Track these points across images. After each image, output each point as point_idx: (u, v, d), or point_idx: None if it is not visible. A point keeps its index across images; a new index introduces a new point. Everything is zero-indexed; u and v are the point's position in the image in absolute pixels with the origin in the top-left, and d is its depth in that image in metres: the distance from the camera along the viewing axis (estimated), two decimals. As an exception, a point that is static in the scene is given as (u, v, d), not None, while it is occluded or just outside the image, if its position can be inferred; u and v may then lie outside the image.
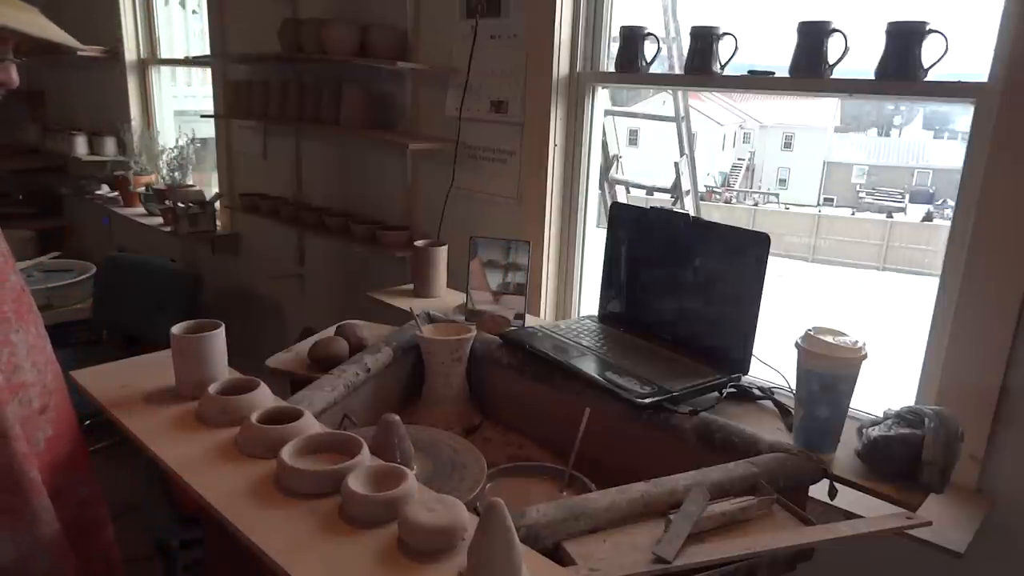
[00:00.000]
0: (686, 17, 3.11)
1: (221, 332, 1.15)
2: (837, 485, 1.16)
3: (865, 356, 1.18)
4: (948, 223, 1.43)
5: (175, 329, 1.14)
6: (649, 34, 1.80)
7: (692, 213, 3.50)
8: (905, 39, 1.40)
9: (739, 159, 25.37)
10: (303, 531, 0.86)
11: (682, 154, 3.90)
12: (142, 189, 3.50)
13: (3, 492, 0.88)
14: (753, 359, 1.43)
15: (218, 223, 3.22)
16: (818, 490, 1.17)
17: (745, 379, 1.43)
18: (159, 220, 3.30)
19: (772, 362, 1.47)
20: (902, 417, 1.19)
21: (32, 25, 0.81)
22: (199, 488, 0.92)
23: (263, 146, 2.91)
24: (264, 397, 1.11)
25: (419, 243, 2.02)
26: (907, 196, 24.36)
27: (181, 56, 3.62)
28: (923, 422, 1.15)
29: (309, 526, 0.87)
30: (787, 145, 26.66)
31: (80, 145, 3.69)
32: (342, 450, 0.97)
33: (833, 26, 1.50)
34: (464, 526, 0.85)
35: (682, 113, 3.86)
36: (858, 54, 1.51)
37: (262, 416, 1.02)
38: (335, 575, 0.76)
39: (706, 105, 20.29)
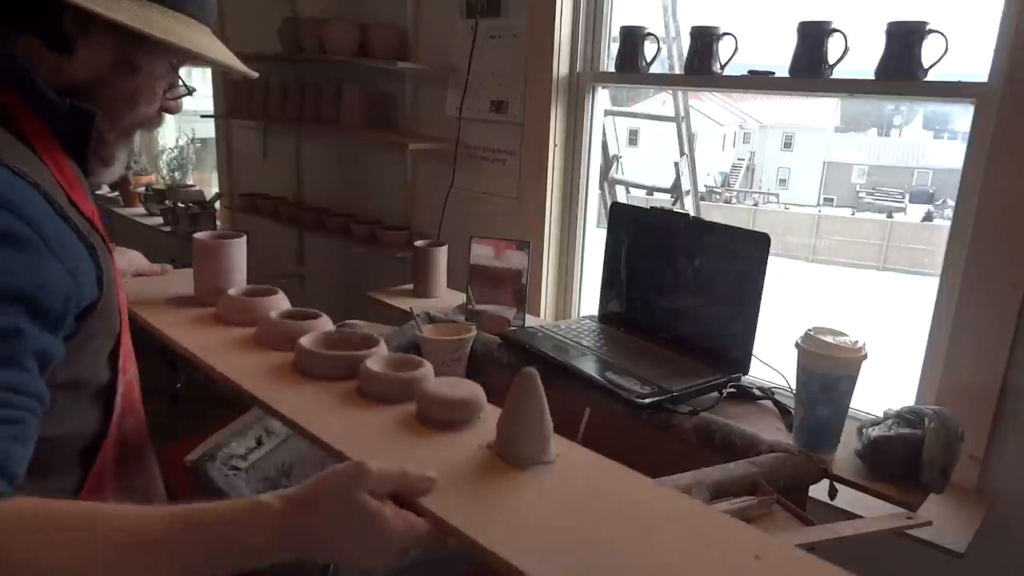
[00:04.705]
0: (686, 17, 3.12)
1: (243, 241, 1.18)
2: (837, 485, 1.16)
3: (865, 356, 1.18)
4: (948, 223, 1.43)
5: (199, 235, 1.17)
6: (649, 34, 1.80)
7: (692, 213, 3.51)
8: (905, 39, 1.40)
9: (739, 159, 25.38)
10: (323, 404, 0.90)
11: (682, 154, 3.90)
12: (142, 189, 3.50)
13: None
14: (753, 359, 1.43)
15: (218, 223, 3.22)
16: (818, 490, 1.17)
17: (745, 379, 1.43)
18: (159, 220, 3.30)
19: (772, 362, 1.47)
20: (902, 417, 1.19)
21: (215, 51, 0.79)
22: (221, 368, 0.96)
23: (263, 146, 2.91)
24: (282, 302, 1.15)
25: (419, 243, 2.02)
26: (907, 196, 24.37)
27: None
28: (923, 422, 1.15)
29: (328, 400, 0.90)
30: (787, 145, 26.67)
31: (80, 145, 3.68)
32: (359, 347, 1.00)
33: (833, 26, 1.50)
34: (481, 403, 0.87)
35: (682, 113, 3.86)
36: (858, 54, 1.51)
37: (281, 314, 1.07)
38: (355, 436, 0.78)
39: (706, 105, 20.30)
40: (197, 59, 0.80)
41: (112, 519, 0.59)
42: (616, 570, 0.63)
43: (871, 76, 1.46)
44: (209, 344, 1.04)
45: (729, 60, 1.66)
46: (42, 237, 0.62)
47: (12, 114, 0.69)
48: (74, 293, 0.67)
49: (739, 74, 1.67)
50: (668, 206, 4.07)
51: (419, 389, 0.88)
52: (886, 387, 1.54)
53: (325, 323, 1.07)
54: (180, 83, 0.84)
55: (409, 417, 0.87)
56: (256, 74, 0.90)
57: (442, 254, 2.02)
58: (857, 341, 1.19)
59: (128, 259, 1.30)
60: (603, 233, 1.73)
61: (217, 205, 3.20)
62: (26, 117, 0.70)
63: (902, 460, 1.14)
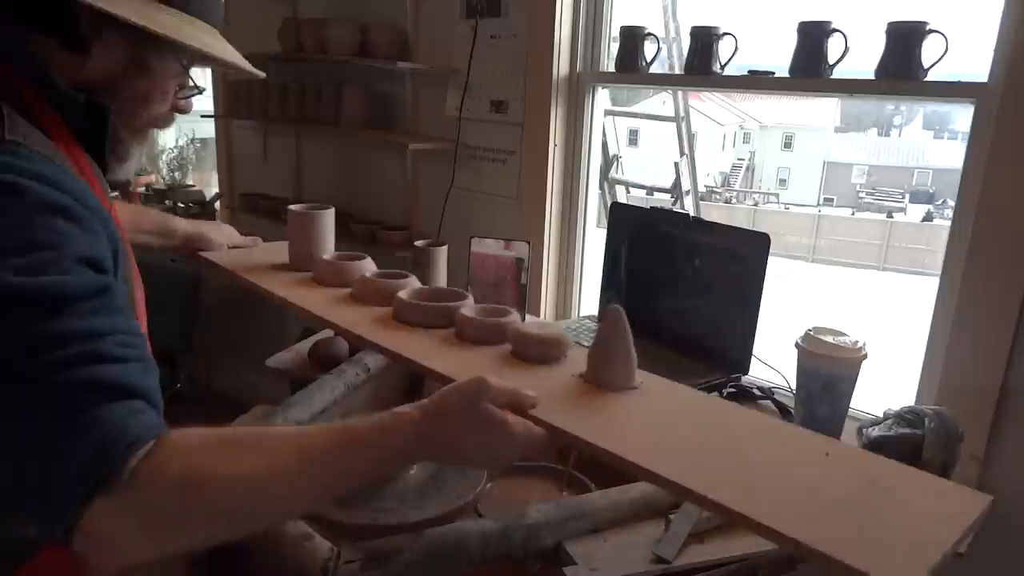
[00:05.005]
0: (686, 17, 3.12)
1: (331, 212, 1.33)
2: (837, 485, 1.16)
3: (865, 356, 1.18)
4: (948, 223, 1.43)
5: (293, 207, 1.32)
6: (649, 34, 1.80)
7: (692, 213, 3.50)
8: (905, 39, 1.40)
9: (739, 159, 25.39)
10: (429, 345, 1.00)
11: (682, 154, 3.89)
12: (142, 189, 3.50)
13: None
14: (753, 359, 1.43)
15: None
16: (818, 490, 1.17)
17: (745, 379, 1.43)
18: (159, 220, 3.30)
19: (772, 362, 1.47)
20: (902, 417, 1.19)
21: (224, 52, 0.83)
22: (331, 318, 1.08)
23: (263, 146, 2.91)
24: (370, 265, 1.27)
25: (419, 243, 2.02)
26: (907, 196, 24.38)
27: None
28: (923, 422, 1.15)
29: (432, 343, 1.01)
30: (787, 145, 26.67)
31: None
32: (449, 300, 1.10)
33: (833, 26, 1.50)
34: (570, 343, 0.98)
35: (682, 113, 3.85)
36: (858, 54, 1.51)
37: (375, 274, 1.20)
38: (464, 369, 0.85)
39: (706, 105, 20.32)
40: (207, 59, 0.82)
41: (280, 436, 0.67)
42: (711, 463, 0.73)
43: (871, 76, 1.46)
44: (315, 301, 1.16)
45: (729, 60, 1.66)
46: (89, 210, 0.65)
47: (35, 113, 0.71)
48: (116, 263, 0.70)
49: (739, 74, 1.67)
50: (668, 206, 4.07)
51: (513, 330, 0.98)
52: (886, 387, 1.54)
53: (414, 282, 1.19)
54: (191, 83, 0.87)
55: (505, 355, 0.98)
56: (263, 74, 0.92)
57: (442, 254, 2.02)
58: (857, 341, 1.19)
59: (224, 232, 1.41)
60: (603, 233, 1.73)
61: (217, 205, 3.20)
62: (47, 116, 0.72)
63: (902, 460, 1.14)
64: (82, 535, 0.55)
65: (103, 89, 0.76)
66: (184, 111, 0.88)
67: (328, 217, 1.32)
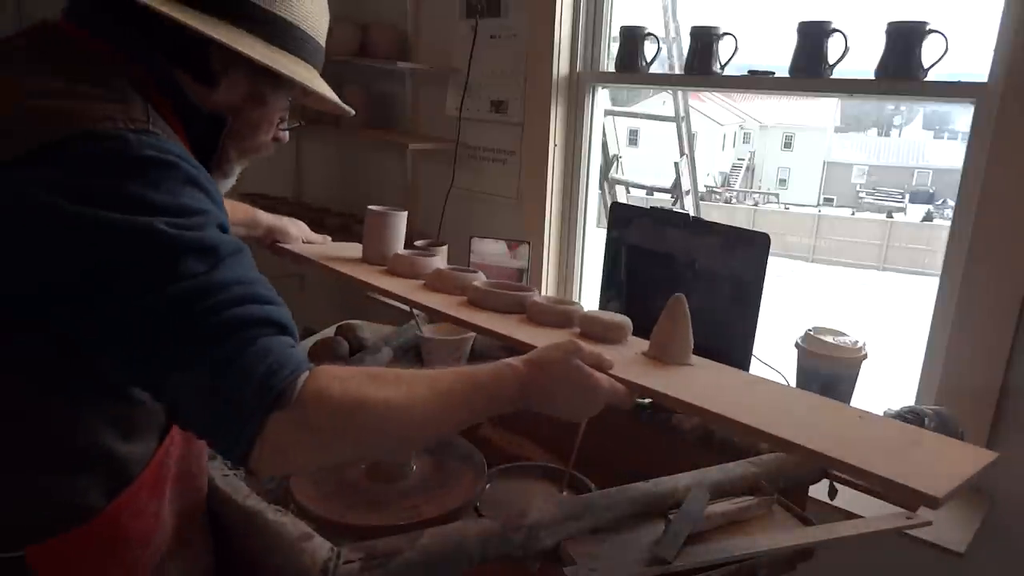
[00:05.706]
0: (686, 17, 3.11)
1: (405, 214, 1.46)
2: (837, 485, 1.16)
3: (865, 356, 1.18)
4: (948, 223, 1.43)
5: (372, 207, 1.45)
6: (649, 34, 1.80)
7: (692, 213, 3.50)
8: (905, 39, 1.40)
9: (739, 159, 25.38)
10: (508, 325, 1.11)
11: (682, 154, 3.89)
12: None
13: None
14: (753, 359, 1.42)
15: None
16: (818, 490, 1.17)
17: (745, 379, 1.43)
18: (159, 220, 3.30)
19: (772, 362, 1.47)
20: (902, 417, 1.19)
21: (324, 89, 0.93)
22: (419, 300, 1.20)
23: (263, 146, 2.92)
24: (440, 261, 1.38)
25: (419, 243, 2.02)
26: (907, 196, 24.37)
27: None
28: (923, 422, 1.15)
29: (511, 324, 1.12)
30: (787, 145, 26.66)
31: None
32: (517, 291, 1.21)
33: (833, 26, 1.50)
34: (631, 327, 1.09)
35: (682, 113, 3.85)
36: (858, 54, 1.51)
37: (449, 268, 1.32)
38: (544, 343, 0.92)
39: (706, 105, 20.32)
40: (309, 95, 0.94)
41: (413, 373, 0.78)
42: (768, 413, 0.86)
43: (871, 76, 1.46)
44: (398, 288, 1.27)
45: (729, 60, 1.66)
46: (213, 188, 0.74)
47: (167, 120, 0.77)
48: None
49: (739, 74, 1.67)
50: (668, 206, 4.06)
51: (581, 316, 1.10)
52: (886, 387, 1.54)
53: (481, 276, 1.30)
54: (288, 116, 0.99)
55: (574, 336, 1.06)
56: (352, 111, 1.01)
57: (442, 254, 2.02)
58: (857, 341, 1.19)
59: (300, 227, 1.53)
60: (603, 233, 1.73)
61: (217, 205, 3.20)
62: (174, 126, 0.79)
63: (902, 460, 1.14)
64: (262, 445, 0.65)
65: (224, 116, 0.85)
66: (282, 140, 0.97)
67: (403, 218, 1.47)
